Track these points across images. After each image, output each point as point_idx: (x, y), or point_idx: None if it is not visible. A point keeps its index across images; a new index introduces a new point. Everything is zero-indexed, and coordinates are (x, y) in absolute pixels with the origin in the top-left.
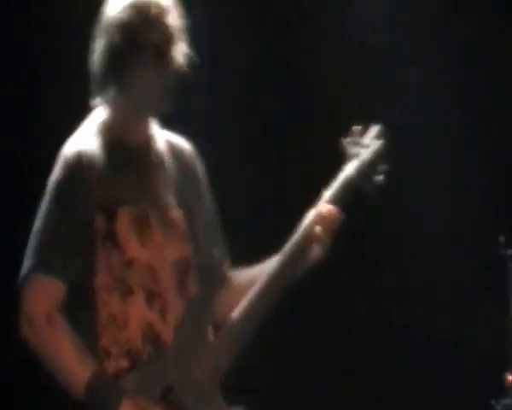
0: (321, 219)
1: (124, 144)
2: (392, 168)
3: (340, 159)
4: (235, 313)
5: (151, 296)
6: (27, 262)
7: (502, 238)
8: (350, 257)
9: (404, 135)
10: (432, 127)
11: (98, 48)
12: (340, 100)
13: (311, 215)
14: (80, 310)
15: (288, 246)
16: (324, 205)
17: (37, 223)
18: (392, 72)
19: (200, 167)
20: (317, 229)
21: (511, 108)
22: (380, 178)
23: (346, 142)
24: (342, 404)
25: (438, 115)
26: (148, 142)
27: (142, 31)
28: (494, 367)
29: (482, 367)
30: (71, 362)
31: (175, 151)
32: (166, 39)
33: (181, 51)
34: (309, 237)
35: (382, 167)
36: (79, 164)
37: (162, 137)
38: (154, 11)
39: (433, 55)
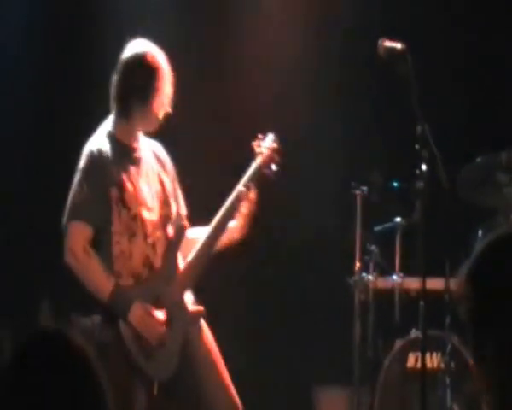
0: (245, 190)
1: (125, 145)
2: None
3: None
4: (197, 247)
5: (147, 237)
6: (68, 213)
7: (353, 183)
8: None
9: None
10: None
11: (125, 78)
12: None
13: (238, 187)
14: (103, 246)
15: (226, 204)
16: (244, 182)
17: (73, 190)
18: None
19: (167, 158)
20: (244, 190)
21: None
22: (275, 167)
23: (254, 144)
24: None
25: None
26: (138, 144)
27: (160, 71)
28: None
29: (341, 264)
30: (100, 278)
31: (153, 149)
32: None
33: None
34: (240, 195)
35: (276, 160)
36: (100, 155)
37: (144, 141)
38: (162, 59)
39: None
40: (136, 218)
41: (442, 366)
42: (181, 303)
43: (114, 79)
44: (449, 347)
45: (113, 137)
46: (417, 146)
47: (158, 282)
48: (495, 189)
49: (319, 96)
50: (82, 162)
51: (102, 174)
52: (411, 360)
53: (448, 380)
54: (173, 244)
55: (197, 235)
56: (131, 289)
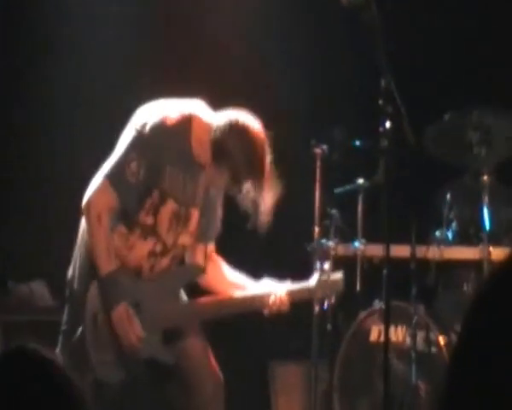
0: (276, 298)
1: (193, 157)
2: None
3: None
4: (208, 305)
5: (152, 255)
6: (112, 170)
7: (312, 141)
8: None
9: None
10: None
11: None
12: None
13: (272, 287)
14: (126, 226)
15: (251, 294)
16: (283, 290)
17: (128, 150)
18: None
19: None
20: (272, 300)
21: None
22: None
23: (319, 267)
24: None
25: None
26: (206, 165)
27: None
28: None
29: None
30: (105, 253)
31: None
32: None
33: None
34: (264, 302)
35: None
36: (169, 143)
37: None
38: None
39: None
40: (155, 234)
41: (407, 339)
42: (159, 334)
43: (226, 140)
44: (415, 319)
45: (188, 143)
46: (381, 101)
47: (149, 291)
48: (465, 148)
49: (278, 51)
50: (150, 130)
51: (158, 168)
52: (374, 333)
53: (413, 355)
54: (173, 280)
55: (234, 281)
56: (124, 275)
